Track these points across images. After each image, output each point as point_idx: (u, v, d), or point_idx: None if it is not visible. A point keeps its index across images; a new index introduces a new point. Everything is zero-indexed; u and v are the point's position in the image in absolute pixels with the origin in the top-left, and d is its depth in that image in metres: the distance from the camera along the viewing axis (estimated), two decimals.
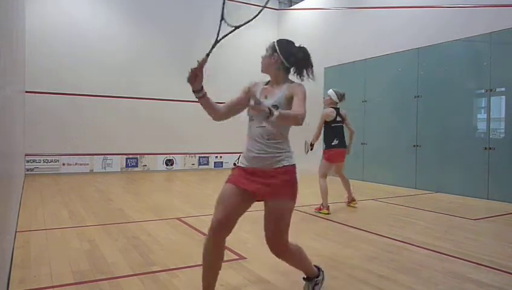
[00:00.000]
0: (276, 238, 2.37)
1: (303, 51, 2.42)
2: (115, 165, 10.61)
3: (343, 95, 5.60)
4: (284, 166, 2.27)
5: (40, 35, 9.64)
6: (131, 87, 10.78)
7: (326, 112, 5.52)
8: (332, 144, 5.52)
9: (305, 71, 2.37)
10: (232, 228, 2.34)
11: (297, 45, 2.46)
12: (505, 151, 6.66)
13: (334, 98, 5.52)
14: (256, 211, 5.64)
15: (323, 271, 2.65)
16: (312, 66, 2.39)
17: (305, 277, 2.61)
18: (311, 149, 5.35)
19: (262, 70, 2.51)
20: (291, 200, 2.31)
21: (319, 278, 2.59)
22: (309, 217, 5.27)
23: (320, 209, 5.46)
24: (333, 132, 5.54)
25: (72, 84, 10.04)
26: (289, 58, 2.37)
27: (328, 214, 5.35)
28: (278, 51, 2.39)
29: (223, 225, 2.30)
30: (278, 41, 2.47)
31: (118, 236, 4.12)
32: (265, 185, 2.25)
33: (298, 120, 2.09)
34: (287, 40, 2.49)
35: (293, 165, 2.33)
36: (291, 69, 2.41)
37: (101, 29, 10.48)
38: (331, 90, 5.60)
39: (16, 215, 4.78)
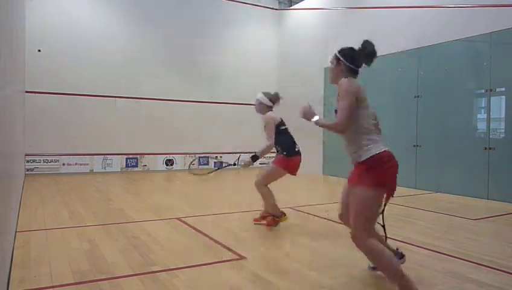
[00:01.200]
0: (353, 225, 2.57)
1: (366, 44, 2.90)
2: (115, 165, 10.61)
3: (277, 94, 4.74)
4: (363, 160, 2.58)
5: (40, 35, 9.64)
6: (131, 87, 10.79)
7: (270, 115, 4.60)
8: (296, 150, 4.58)
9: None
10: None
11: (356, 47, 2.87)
12: (505, 151, 6.66)
13: (266, 101, 4.65)
14: (258, 211, 5.63)
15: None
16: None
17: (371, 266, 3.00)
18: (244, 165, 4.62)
19: (331, 82, 2.89)
20: (368, 188, 2.51)
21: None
22: (309, 217, 5.27)
23: (274, 221, 4.58)
24: (287, 136, 4.64)
25: (72, 84, 10.04)
26: (353, 62, 2.82)
27: (286, 219, 4.63)
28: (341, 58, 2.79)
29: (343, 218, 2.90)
30: (339, 51, 2.88)
31: (118, 236, 4.12)
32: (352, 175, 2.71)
33: (336, 129, 2.59)
34: (348, 47, 2.90)
35: (372, 157, 2.55)
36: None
37: (101, 29, 10.48)
38: (260, 94, 4.71)
39: (16, 215, 4.78)
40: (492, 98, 6.95)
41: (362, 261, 3.39)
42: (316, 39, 11.27)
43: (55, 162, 9.88)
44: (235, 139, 12.16)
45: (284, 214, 4.62)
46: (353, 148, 2.64)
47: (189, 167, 4.55)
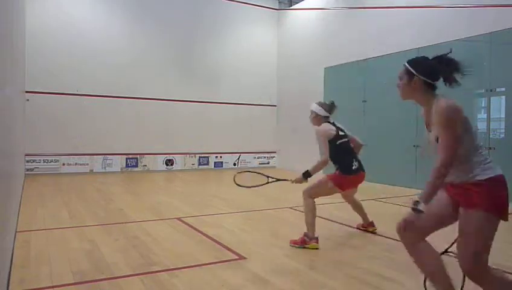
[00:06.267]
0: (464, 253, 2.10)
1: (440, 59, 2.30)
2: (115, 165, 10.60)
3: (333, 104, 4.24)
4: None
5: (40, 35, 9.63)
6: (131, 87, 10.79)
7: (324, 128, 4.07)
8: (353, 168, 4.09)
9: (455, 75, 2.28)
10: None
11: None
12: (505, 151, 6.66)
13: (322, 112, 4.15)
14: (258, 211, 5.61)
15: None
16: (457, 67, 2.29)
17: None
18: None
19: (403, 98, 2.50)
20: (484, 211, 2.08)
21: None
22: None
23: (304, 241, 3.83)
24: (343, 151, 4.10)
25: (72, 84, 10.04)
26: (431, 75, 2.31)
27: (317, 248, 3.79)
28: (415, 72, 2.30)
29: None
30: (409, 62, 2.41)
31: (118, 236, 4.12)
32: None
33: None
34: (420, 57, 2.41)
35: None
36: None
37: (102, 29, 10.47)
38: (314, 104, 4.25)
39: (15, 215, 4.78)
40: (492, 98, 6.95)
41: (362, 261, 3.39)
42: (316, 39, 11.26)
43: (55, 162, 9.87)
44: (235, 139, 12.17)
45: (316, 241, 3.85)
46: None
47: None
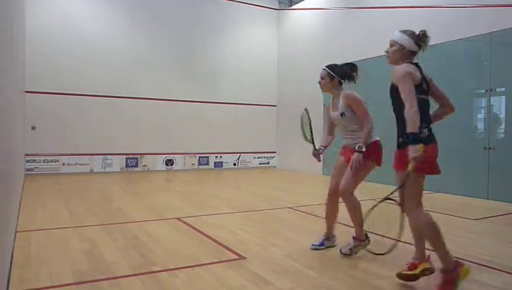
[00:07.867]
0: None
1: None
2: (115, 165, 10.60)
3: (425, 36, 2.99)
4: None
5: (40, 35, 9.63)
6: (131, 87, 10.79)
7: (407, 69, 2.91)
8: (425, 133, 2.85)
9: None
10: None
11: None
12: (505, 151, 6.65)
13: (410, 45, 2.96)
14: (258, 211, 5.60)
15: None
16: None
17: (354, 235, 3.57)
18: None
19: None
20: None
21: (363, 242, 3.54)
22: (308, 216, 5.27)
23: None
24: (421, 109, 2.83)
25: (72, 84, 10.04)
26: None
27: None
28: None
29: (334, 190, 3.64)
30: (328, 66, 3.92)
31: (118, 236, 4.12)
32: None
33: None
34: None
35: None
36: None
37: (101, 29, 10.47)
38: (398, 32, 2.99)
39: (16, 215, 4.78)
40: (492, 98, 6.95)
41: (362, 261, 3.39)
42: (316, 39, 11.26)
43: (55, 162, 9.87)
44: (235, 139, 12.17)
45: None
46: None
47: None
